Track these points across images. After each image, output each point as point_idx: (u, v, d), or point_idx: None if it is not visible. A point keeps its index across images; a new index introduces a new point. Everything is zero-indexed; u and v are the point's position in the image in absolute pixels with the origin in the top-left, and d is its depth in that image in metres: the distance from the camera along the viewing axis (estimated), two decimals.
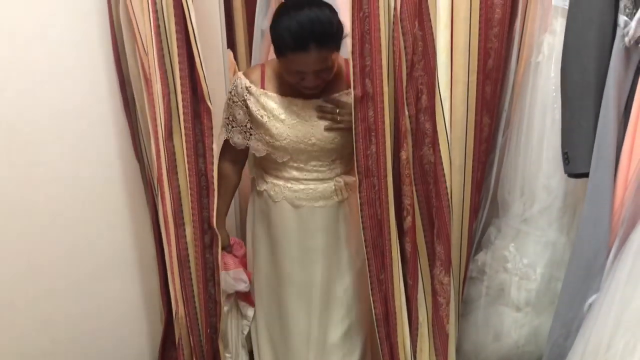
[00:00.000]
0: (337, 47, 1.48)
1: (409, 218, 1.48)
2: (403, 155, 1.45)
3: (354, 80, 1.36)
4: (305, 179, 1.62)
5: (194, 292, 1.57)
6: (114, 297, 2.03)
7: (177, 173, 1.48)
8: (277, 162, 1.61)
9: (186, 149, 1.46)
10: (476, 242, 1.85)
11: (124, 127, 1.82)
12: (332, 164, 1.62)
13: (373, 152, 1.42)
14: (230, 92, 1.60)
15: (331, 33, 1.43)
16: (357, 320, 1.76)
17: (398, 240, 1.49)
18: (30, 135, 1.70)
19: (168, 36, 1.38)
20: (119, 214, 1.94)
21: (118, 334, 2.10)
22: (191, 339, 1.61)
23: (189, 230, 1.52)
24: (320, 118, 1.55)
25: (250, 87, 1.56)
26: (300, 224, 1.66)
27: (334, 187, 1.62)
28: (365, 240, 1.46)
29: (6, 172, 1.70)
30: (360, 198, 1.44)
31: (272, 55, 1.88)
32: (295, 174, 1.62)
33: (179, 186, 1.49)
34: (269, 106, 1.55)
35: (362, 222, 1.46)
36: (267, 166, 1.67)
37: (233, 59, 2.15)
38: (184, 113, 1.43)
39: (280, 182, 1.64)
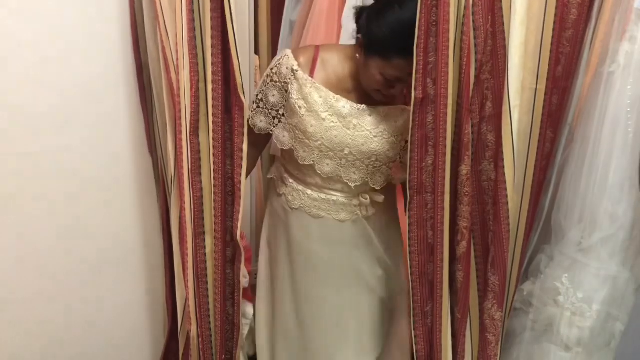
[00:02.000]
0: None
1: (464, 243, 1.29)
2: (463, 170, 1.25)
3: (415, 80, 1.17)
4: (328, 189, 1.42)
5: (210, 311, 1.38)
6: (114, 302, 1.91)
7: (200, 174, 1.28)
8: (304, 164, 1.41)
9: (213, 147, 1.26)
10: (523, 269, 1.65)
11: (138, 116, 1.66)
12: (360, 181, 1.42)
13: (429, 165, 1.22)
14: (272, 70, 1.38)
15: None
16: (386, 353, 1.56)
17: (449, 268, 1.29)
18: (34, 121, 1.58)
19: (201, 15, 1.18)
20: (126, 212, 1.80)
21: (117, 341, 1.99)
22: None
23: (209, 241, 1.33)
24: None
25: (297, 70, 1.34)
26: (322, 238, 1.47)
27: (359, 201, 1.43)
28: (411, 267, 1.26)
29: (6, 161, 1.56)
30: (409, 217, 1.25)
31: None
32: (318, 180, 1.42)
33: (201, 189, 1.29)
34: (312, 99, 1.33)
35: (410, 246, 1.26)
36: (289, 166, 1.47)
37: (257, 65, 1.97)
38: (213, 106, 1.23)
39: (300, 187, 1.44)
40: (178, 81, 1.25)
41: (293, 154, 1.41)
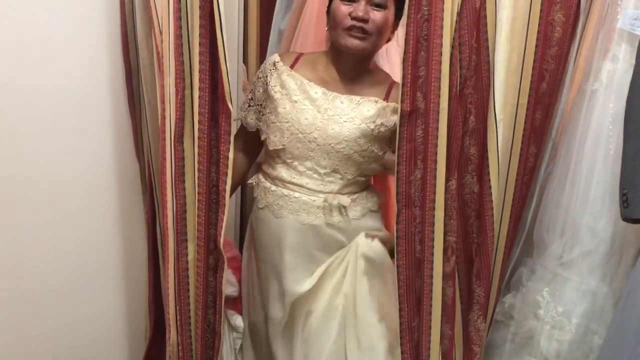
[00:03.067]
0: None
1: (453, 258, 1.29)
2: (452, 184, 1.26)
3: (402, 93, 1.17)
4: (292, 183, 1.41)
5: (191, 319, 1.35)
6: (96, 305, 1.87)
7: (184, 182, 1.26)
8: (272, 156, 1.44)
9: (198, 154, 1.24)
10: (504, 282, 1.67)
11: (125, 121, 1.63)
12: (329, 176, 1.40)
13: (418, 179, 1.22)
14: (260, 70, 1.51)
15: None
16: None
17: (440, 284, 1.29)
18: (18, 124, 1.54)
19: (189, 21, 1.16)
20: (112, 217, 1.78)
21: (97, 347, 1.93)
22: None
23: (191, 249, 1.31)
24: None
25: (277, 62, 1.44)
26: (281, 240, 1.43)
27: (322, 202, 1.41)
28: (398, 281, 1.26)
29: None
30: (397, 230, 1.24)
31: None
32: (283, 173, 1.41)
33: (185, 196, 1.27)
34: (288, 85, 1.41)
35: (398, 260, 1.25)
36: (264, 165, 1.51)
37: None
38: (199, 113, 1.21)
39: (267, 184, 1.45)
40: (163, 87, 1.24)
41: (268, 149, 1.44)
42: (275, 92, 1.41)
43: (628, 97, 1.38)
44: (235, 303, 1.61)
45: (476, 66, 1.29)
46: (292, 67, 1.43)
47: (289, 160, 1.41)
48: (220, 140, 1.24)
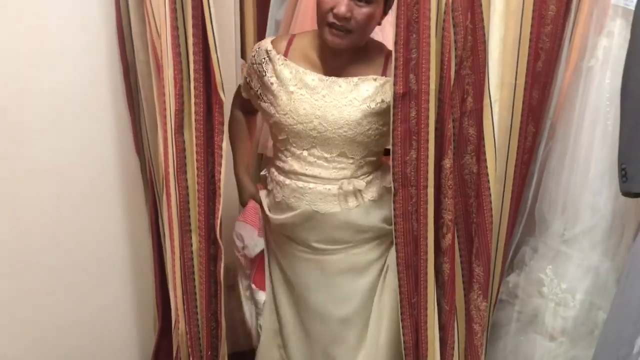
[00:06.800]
0: None
1: (449, 235, 1.31)
2: (446, 163, 1.27)
3: (395, 75, 1.19)
4: (305, 175, 1.40)
5: (197, 308, 1.39)
6: (104, 300, 1.91)
7: (185, 172, 1.29)
8: (280, 149, 1.43)
9: (196, 145, 1.27)
10: (508, 262, 1.68)
11: (124, 118, 1.66)
12: (337, 162, 1.40)
13: (413, 159, 1.24)
14: (252, 55, 1.46)
15: None
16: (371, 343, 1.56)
17: (434, 260, 1.31)
18: (18, 123, 1.57)
19: (184, 13, 1.19)
20: (115, 213, 1.81)
21: (107, 341, 1.98)
22: (191, 359, 1.43)
23: (195, 239, 1.34)
24: None
25: (270, 51, 1.41)
26: (296, 229, 1.47)
27: (338, 190, 1.40)
28: (397, 258, 1.28)
29: None
30: (394, 209, 1.26)
31: None
32: (294, 165, 1.41)
33: (187, 187, 1.30)
34: (283, 75, 1.38)
35: (396, 238, 1.28)
36: (275, 158, 1.49)
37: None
38: (195, 104, 1.24)
39: (281, 178, 1.45)
40: (162, 79, 1.26)
41: (276, 138, 1.44)
42: (271, 83, 1.39)
43: (623, 73, 1.38)
44: (259, 278, 1.65)
45: (472, 47, 1.29)
46: (285, 53, 1.41)
47: (297, 152, 1.40)
48: (215, 131, 1.26)
